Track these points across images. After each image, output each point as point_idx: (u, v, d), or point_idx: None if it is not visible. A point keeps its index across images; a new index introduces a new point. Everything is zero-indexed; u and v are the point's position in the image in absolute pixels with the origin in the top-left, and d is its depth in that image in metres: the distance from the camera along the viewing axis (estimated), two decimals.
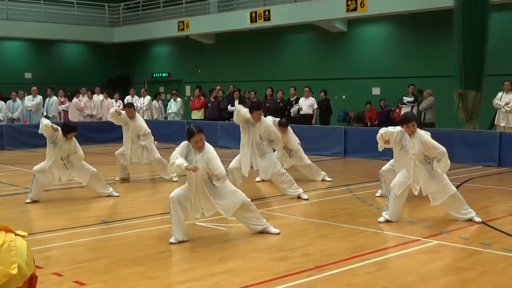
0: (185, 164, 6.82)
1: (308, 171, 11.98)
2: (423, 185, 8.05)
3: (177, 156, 6.92)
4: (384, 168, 9.95)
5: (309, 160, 12.03)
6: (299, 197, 9.93)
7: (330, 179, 11.98)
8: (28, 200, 9.75)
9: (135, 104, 21.23)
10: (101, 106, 21.76)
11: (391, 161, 9.74)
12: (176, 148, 7.09)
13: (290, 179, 9.94)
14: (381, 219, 8.15)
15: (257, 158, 9.76)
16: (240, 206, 7.23)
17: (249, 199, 7.43)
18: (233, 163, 10.08)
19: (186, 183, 7.17)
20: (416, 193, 8.19)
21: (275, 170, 9.77)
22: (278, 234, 7.45)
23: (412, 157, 8.00)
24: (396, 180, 8.21)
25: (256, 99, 19.56)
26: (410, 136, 8.07)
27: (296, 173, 11.60)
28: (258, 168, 10.02)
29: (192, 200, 7.07)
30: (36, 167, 9.89)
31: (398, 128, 8.32)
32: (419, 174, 8.01)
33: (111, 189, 10.37)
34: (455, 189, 8.18)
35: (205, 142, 7.06)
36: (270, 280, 5.66)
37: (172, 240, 7.05)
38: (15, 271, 2.28)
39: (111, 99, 22.40)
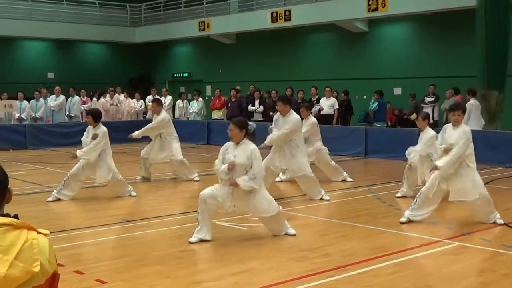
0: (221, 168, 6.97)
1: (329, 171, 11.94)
2: (449, 181, 7.83)
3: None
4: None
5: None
6: (321, 198, 9.90)
7: (351, 180, 11.93)
8: (50, 199, 9.83)
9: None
10: (121, 105, 21.90)
11: None
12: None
13: (316, 181, 9.93)
14: (403, 219, 8.08)
15: (286, 158, 9.72)
16: (272, 215, 7.17)
17: (282, 209, 7.40)
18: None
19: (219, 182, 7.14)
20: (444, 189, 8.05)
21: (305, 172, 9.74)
22: (294, 235, 7.42)
23: (449, 148, 7.77)
24: (429, 184, 7.98)
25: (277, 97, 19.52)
26: (454, 127, 7.92)
27: (317, 174, 11.55)
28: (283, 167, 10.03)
29: (225, 196, 6.99)
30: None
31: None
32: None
33: (130, 188, 10.42)
34: (486, 192, 7.99)
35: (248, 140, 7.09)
36: (290, 280, 5.65)
37: (191, 239, 7.06)
38: (37, 269, 2.30)
39: (132, 99, 22.52)
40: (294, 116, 9.67)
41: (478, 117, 15.80)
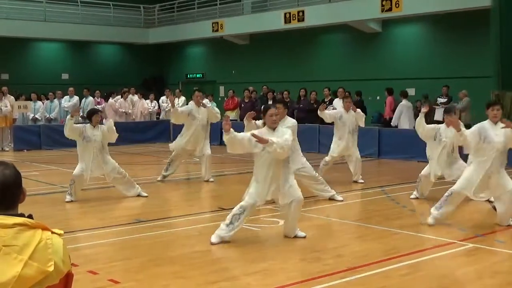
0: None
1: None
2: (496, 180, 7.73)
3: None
4: (424, 172, 9.79)
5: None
6: (332, 199, 9.87)
7: (362, 181, 11.86)
8: (68, 199, 9.90)
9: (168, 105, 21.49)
10: (134, 106, 21.98)
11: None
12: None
13: (322, 180, 9.90)
14: (431, 221, 7.97)
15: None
16: (298, 201, 7.14)
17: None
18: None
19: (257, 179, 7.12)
20: (485, 198, 8.03)
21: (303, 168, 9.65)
22: (305, 237, 7.36)
23: (499, 148, 7.72)
24: (465, 183, 7.81)
25: (288, 99, 19.52)
26: (495, 124, 7.87)
27: (330, 175, 11.54)
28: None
29: (263, 182, 7.00)
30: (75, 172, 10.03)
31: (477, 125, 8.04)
32: (496, 168, 7.72)
33: (139, 189, 10.40)
34: None
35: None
36: (303, 281, 5.65)
37: (214, 240, 7.01)
38: (51, 269, 2.32)
39: (146, 99, 22.59)
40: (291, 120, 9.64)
41: (409, 116, 17.25)
